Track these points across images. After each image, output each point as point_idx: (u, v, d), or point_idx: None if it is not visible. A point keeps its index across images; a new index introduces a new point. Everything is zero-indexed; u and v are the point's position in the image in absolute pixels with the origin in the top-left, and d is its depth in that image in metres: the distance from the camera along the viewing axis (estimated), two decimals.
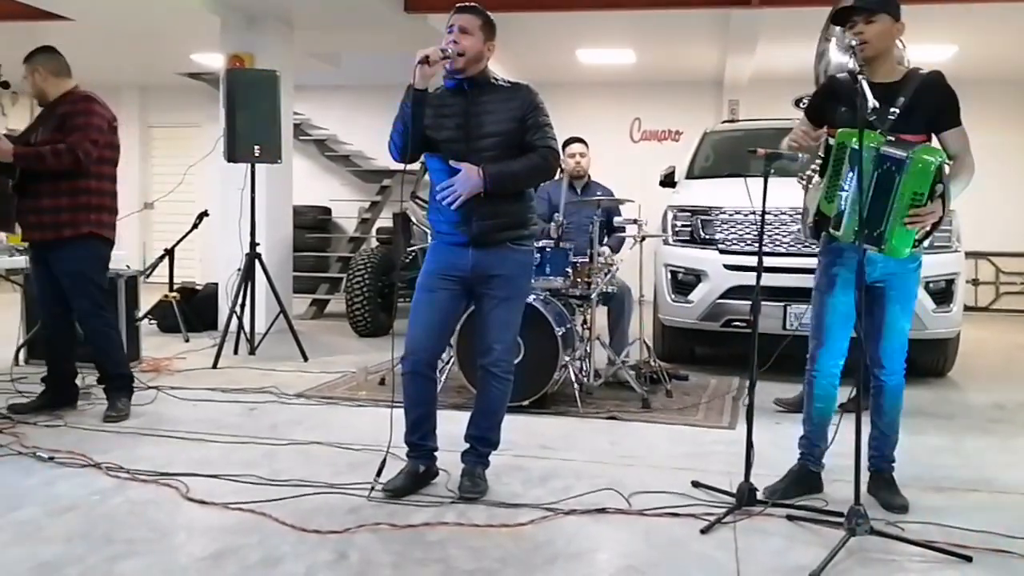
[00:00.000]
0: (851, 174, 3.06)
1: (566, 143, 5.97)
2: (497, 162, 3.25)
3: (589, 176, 6.03)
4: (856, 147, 2.99)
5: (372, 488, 3.32)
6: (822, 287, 3.33)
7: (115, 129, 4.48)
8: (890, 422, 3.32)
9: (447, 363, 5.01)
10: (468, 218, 3.28)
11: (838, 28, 4.86)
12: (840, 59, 4.90)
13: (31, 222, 4.37)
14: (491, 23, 3.35)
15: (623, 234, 5.92)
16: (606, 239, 5.77)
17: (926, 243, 3.17)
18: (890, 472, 3.35)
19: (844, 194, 3.12)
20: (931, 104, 3.16)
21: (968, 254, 6.40)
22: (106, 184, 4.46)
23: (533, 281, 5.01)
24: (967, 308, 6.67)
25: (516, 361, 4.51)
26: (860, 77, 2.95)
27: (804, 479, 3.43)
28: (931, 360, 5.91)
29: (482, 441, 3.47)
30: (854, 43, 3.06)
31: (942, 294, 5.54)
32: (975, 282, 10.61)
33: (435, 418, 3.48)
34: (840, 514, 2.95)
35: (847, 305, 3.26)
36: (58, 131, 4.27)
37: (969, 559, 2.78)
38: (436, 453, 3.48)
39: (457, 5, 3.37)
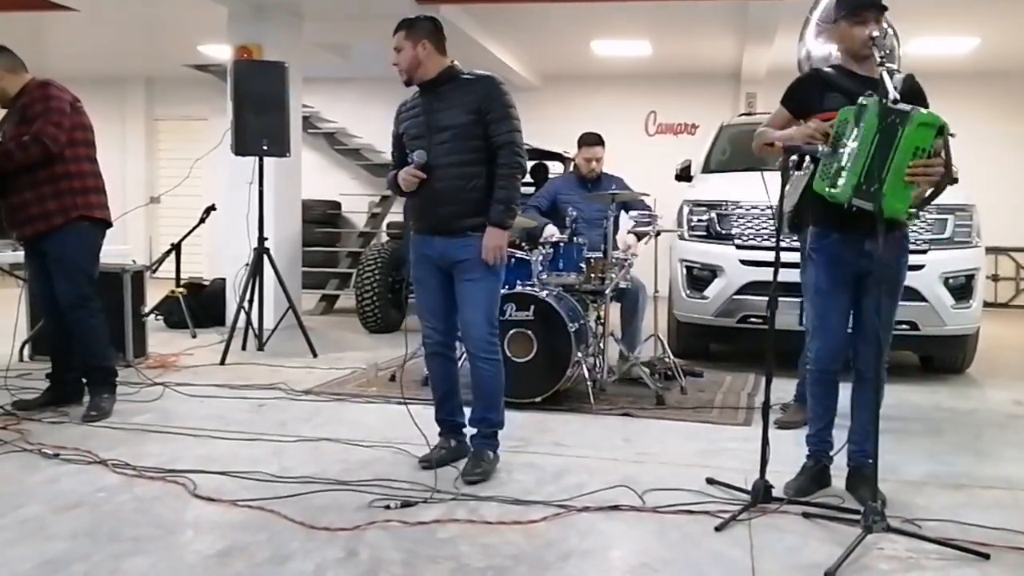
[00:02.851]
0: (856, 130, 3.00)
1: (583, 141, 5.86)
2: (454, 152, 3.41)
3: (602, 170, 5.94)
4: (864, 103, 2.98)
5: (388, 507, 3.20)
6: (822, 285, 3.28)
7: (79, 109, 4.39)
8: (872, 415, 3.18)
9: (460, 357, 4.94)
10: (430, 209, 3.49)
11: (818, 13, 4.82)
12: (820, 50, 4.82)
13: (19, 219, 4.33)
14: (416, 26, 3.50)
15: (646, 227, 5.80)
16: (631, 226, 5.65)
17: (925, 215, 3.13)
18: (869, 468, 3.16)
19: (844, 151, 3.03)
20: (911, 102, 3.08)
21: (988, 249, 6.33)
22: (85, 166, 4.39)
23: (545, 276, 4.98)
24: (986, 304, 6.59)
25: (528, 358, 4.59)
26: (880, 68, 2.97)
27: (820, 475, 3.41)
28: (950, 356, 5.87)
29: (484, 422, 3.60)
30: (882, 32, 3.01)
31: (961, 290, 5.46)
32: (995, 278, 10.45)
33: (459, 396, 3.76)
34: (856, 511, 2.92)
35: (848, 302, 3.26)
36: (21, 124, 4.23)
37: (987, 557, 2.75)
38: (465, 429, 3.71)
39: None
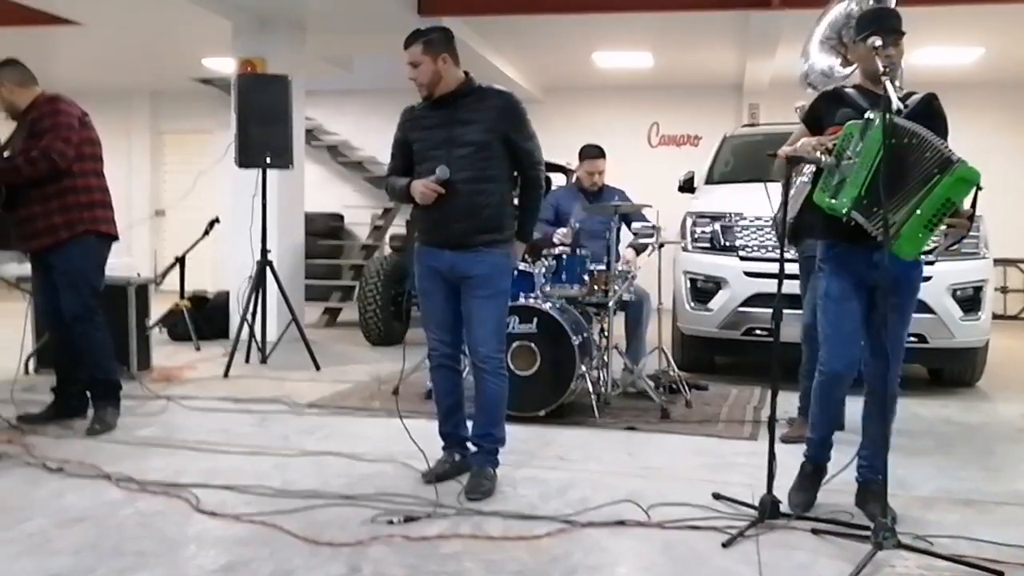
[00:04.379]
0: (861, 143, 2.99)
1: (584, 154, 5.83)
2: (473, 167, 3.42)
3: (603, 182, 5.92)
4: (870, 117, 2.98)
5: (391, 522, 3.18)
6: (833, 293, 3.25)
7: (87, 124, 4.44)
8: (883, 430, 3.15)
9: (464, 372, 4.93)
10: (443, 222, 3.47)
11: (822, 27, 4.82)
12: (823, 62, 4.83)
13: (26, 233, 4.36)
14: (433, 40, 3.46)
15: (647, 240, 5.79)
16: (631, 240, 5.65)
17: (933, 256, 3.10)
18: (878, 484, 3.13)
19: (849, 163, 3.01)
20: (927, 123, 3.10)
21: (997, 261, 6.28)
22: (92, 180, 4.42)
23: (548, 288, 4.97)
24: (995, 316, 6.53)
25: (531, 371, 4.58)
26: (884, 78, 2.95)
27: (816, 473, 3.39)
28: (959, 370, 5.81)
29: (487, 438, 3.58)
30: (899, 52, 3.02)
31: (970, 302, 5.41)
32: (1004, 290, 10.34)
33: (464, 409, 3.71)
34: (866, 528, 2.88)
35: (859, 311, 3.23)
36: (30, 139, 4.26)
37: (1001, 574, 2.70)
38: (468, 443, 3.67)
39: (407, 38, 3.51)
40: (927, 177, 2.93)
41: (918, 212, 2.93)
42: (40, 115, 4.29)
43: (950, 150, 2.95)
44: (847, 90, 3.34)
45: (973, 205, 3.02)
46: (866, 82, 3.28)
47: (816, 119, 3.34)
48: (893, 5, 3.88)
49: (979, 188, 2.96)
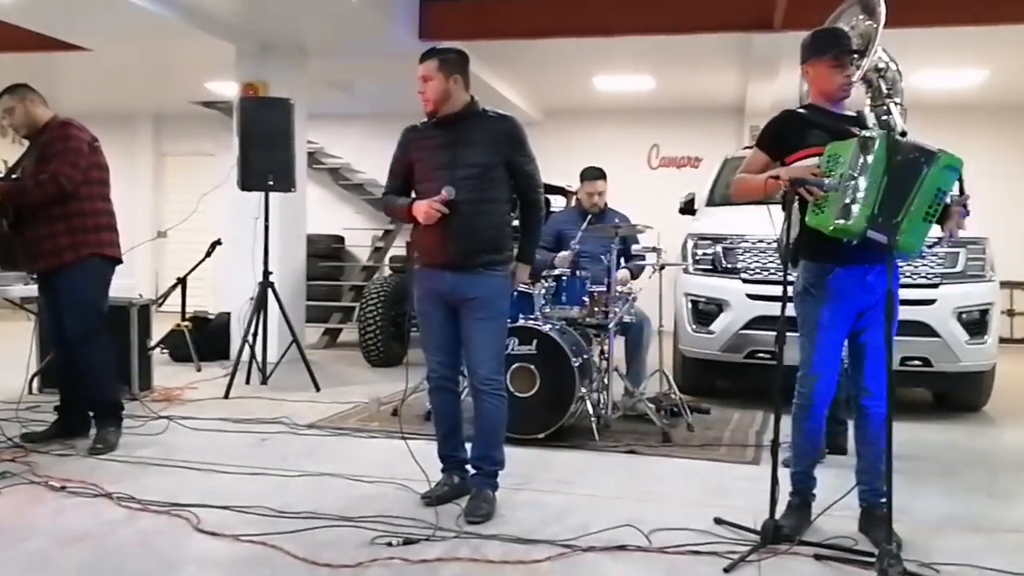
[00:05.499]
0: (861, 161, 2.99)
1: (585, 176, 5.86)
2: (476, 189, 3.43)
3: (606, 204, 5.94)
4: (870, 136, 3.00)
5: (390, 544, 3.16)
6: (825, 321, 3.23)
7: (97, 149, 4.51)
8: (879, 453, 3.12)
9: (463, 394, 4.92)
10: (443, 244, 3.47)
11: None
12: None
13: (33, 254, 4.41)
14: (450, 60, 3.50)
15: (642, 262, 5.81)
16: (624, 264, 5.67)
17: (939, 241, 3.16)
18: (882, 508, 3.10)
19: (853, 183, 3.00)
20: None
21: (1003, 283, 6.24)
22: (99, 204, 4.48)
23: (548, 310, 4.96)
24: (1002, 340, 6.47)
25: (531, 393, 4.56)
26: (888, 102, 2.96)
27: (807, 511, 3.35)
28: (965, 394, 5.74)
29: (486, 460, 3.58)
30: (882, 64, 3.05)
31: (976, 325, 5.34)
32: (1010, 312, 10.20)
33: (463, 431, 3.72)
34: (870, 554, 2.86)
35: (843, 338, 3.26)
36: (40, 162, 4.34)
37: None
38: (468, 466, 3.66)
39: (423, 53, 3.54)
40: (917, 173, 2.97)
41: (914, 206, 2.97)
42: (51, 139, 4.36)
43: (929, 145, 3.00)
44: (806, 112, 3.34)
45: (961, 191, 3.08)
46: (823, 101, 3.29)
47: (781, 143, 3.30)
48: (882, 23, 3.89)
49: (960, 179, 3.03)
